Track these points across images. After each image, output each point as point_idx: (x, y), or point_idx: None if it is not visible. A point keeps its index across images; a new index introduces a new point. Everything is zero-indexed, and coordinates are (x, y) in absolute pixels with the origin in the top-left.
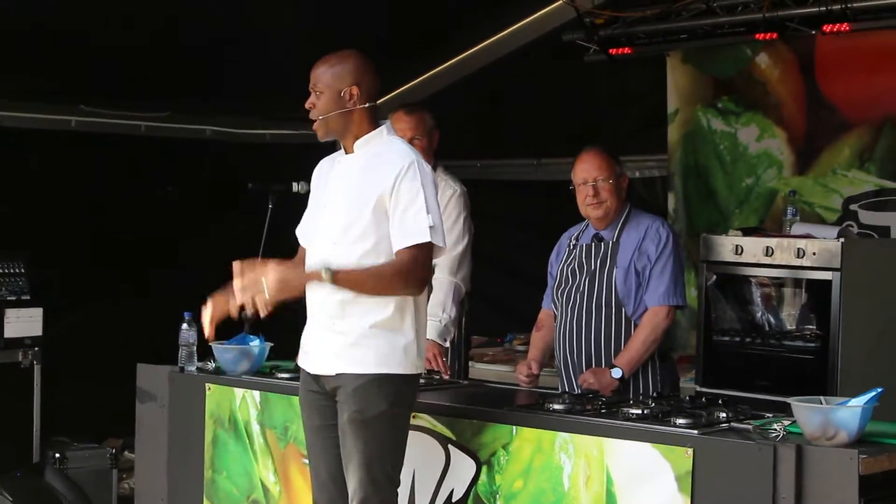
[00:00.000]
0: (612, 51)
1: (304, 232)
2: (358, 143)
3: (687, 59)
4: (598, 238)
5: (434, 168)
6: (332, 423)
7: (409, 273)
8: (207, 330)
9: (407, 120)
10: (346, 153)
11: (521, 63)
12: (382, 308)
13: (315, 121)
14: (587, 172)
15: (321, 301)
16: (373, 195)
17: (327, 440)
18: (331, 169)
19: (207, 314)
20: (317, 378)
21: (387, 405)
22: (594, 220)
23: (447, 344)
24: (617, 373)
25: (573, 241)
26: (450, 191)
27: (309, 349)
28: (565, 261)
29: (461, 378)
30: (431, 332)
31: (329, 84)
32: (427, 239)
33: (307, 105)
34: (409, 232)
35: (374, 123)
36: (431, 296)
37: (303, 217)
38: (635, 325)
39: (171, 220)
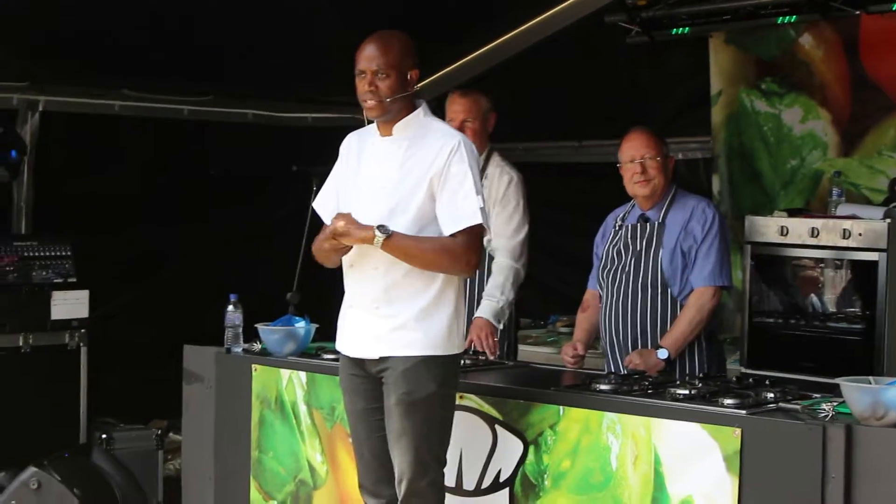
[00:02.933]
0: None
1: (333, 209)
2: (398, 125)
3: (730, 41)
4: (644, 218)
5: (489, 153)
6: (375, 406)
7: (462, 255)
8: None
9: (461, 102)
10: (383, 135)
11: (563, 45)
12: (428, 291)
13: (374, 102)
14: (635, 150)
15: (364, 285)
16: (422, 176)
17: (371, 423)
18: (361, 148)
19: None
20: (359, 362)
21: (435, 386)
22: (641, 198)
23: (500, 325)
24: (663, 353)
25: (619, 222)
26: (507, 177)
27: (350, 333)
28: (611, 241)
29: (510, 359)
30: (487, 312)
31: (395, 66)
32: (479, 221)
33: (366, 87)
34: (461, 215)
35: (413, 104)
36: (490, 278)
37: (323, 190)
38: (681, 306)
39: (217, 201)
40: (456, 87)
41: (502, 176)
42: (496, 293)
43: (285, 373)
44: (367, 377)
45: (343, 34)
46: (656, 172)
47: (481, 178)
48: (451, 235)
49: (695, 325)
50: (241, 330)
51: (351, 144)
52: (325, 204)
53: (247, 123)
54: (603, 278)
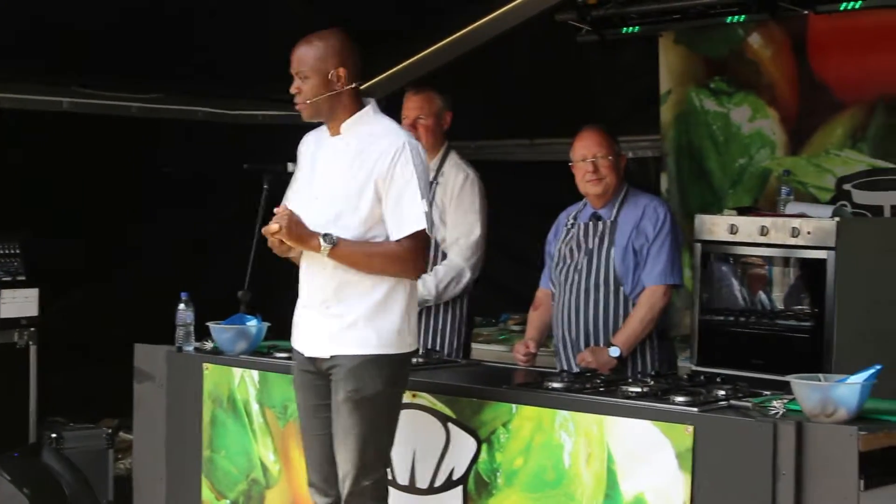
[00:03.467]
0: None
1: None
2: (345, 124)
3: (679, 40)
4: (596, 217)
5: (446, 152)
6: (326, 403)
7: (409, 261)
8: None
9: (413, 100)
10: (332, 135)
11: (513, 44)
12: (377, 291)
13: (301, 104)
14: (587, 149)
15: (314, 284)
16: (367, 178)
17: (322, 420)
18: (317, 147)
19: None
20: (311, 359)
21: (382, 385)
22: (593, 197)
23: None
24: (615, 351)
25: (571, 221)
26: (462, 175)
27: (303, 332)
28: (563, 239)
29: (463, 357)
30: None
31: (315, 67)
32: (423, 226)
33: (292, 90)
34: (405, 220)
35: (360, 103)
36: (436, 269)
37: (287, 193)
38: (633, 305)
39: (166, 200)
40: (410, 84)
41: (458, 174)
42: (430, 283)
43: (237, 371)
44: (318, 374)
45: (294, 31)
46: (608, 171)
47: (437, 177)
48: (397, 240)
49: (646, 323)
50: (192, 328)
51: (308, 143)
52: (289, 199)
53: (197, 121)
54: (555, 276)
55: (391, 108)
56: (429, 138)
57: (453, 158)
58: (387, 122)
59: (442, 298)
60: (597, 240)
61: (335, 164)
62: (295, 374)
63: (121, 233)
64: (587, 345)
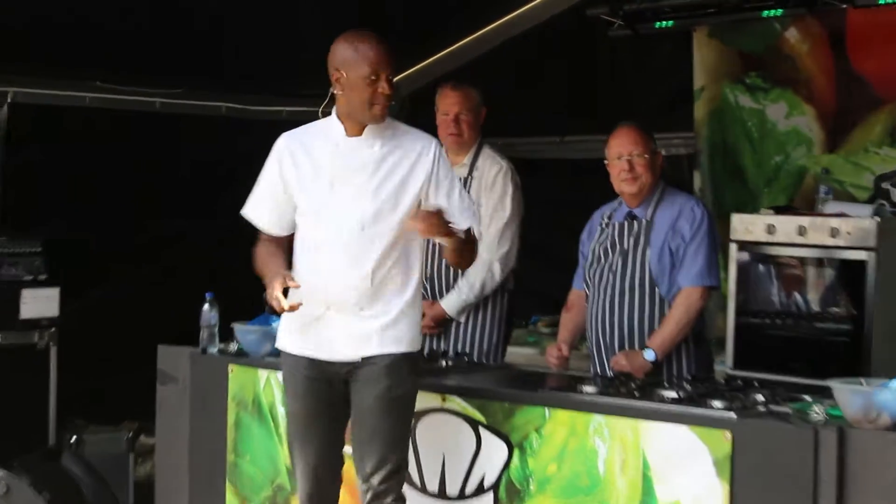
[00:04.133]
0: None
1: (270, 217)
2: (371, 125)
3: (714, 34)
4: (631, 216)
5: (480, 146)
6: (332, 409)
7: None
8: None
9: (453, 95)
10: (350, 135)
11: (543, 39)
12: (408, 288)
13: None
14: (622, 147)
15: (341, 286)
16: (406, 178)
17: (325, 426)
18: (314, 147)
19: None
20: (318, 364)
21: (411, 383)
22: (628, 196)
23: (461, 319)
24: (650, 355)
25: (606, 220)
26: (497, 166)
27: (323, 337)
28: (597, 239)
29: (497, 360)
30: (448, 301)
31: (392, 67)
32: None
33: (388, 89)
34: (470, 211)
35: None
36: (467, 272)
37: (256, 196)
38: (669, 307)
39: (189, 197)
40: (444, 80)
41: (493, 166)
42: (465, 287)
43: (263, 374)
44: (323, 380)
45: (319, 26)
46: (644, 170)
47: (471, 171)
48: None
49: (682, 325)
50: (216, 329)
51: (292, 146)
52: (261, 211)
53: (220, 117)
54: (589, 277)
55: (418, 104)
56: (470, 134)
57: (487, 151)
58: (404, 126)
59: (480, 296)
60: (632, 240)
61: (362, 164)
62: (294, 381)
63: (142, 230)
64: (622, 348)
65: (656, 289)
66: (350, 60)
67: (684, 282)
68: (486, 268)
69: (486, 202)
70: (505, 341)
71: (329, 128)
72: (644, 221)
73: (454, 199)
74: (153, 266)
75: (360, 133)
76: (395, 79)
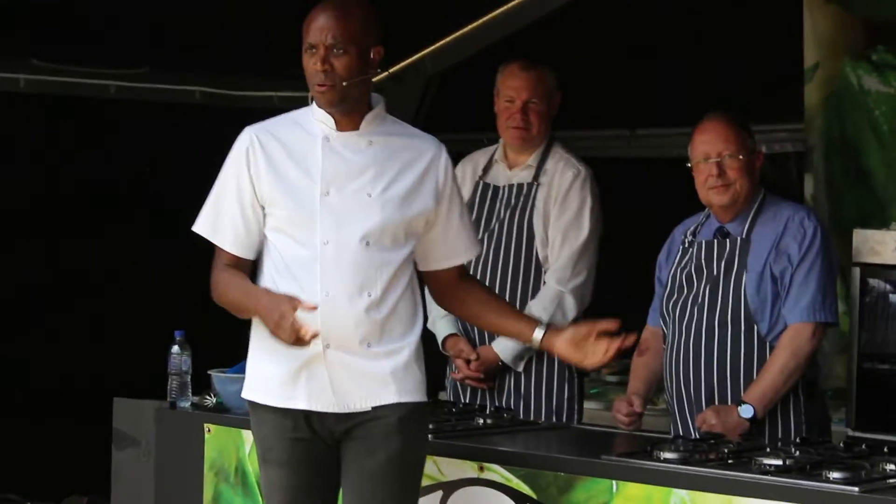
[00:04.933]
0: None
1: (241, 232)
2: (368, 118)
3: None
4: (722, 233)
5: (550, 143)
6: (327, 479)
7: None
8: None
9: (523, 78)
10: (340, 129)
11: (604, 5)
12: (417, 320)
13: (329, 86)
14: (710, 146)
15: (341, 317)
16: (417, 192)
17: (318, 500)
18: (295, 143)
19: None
20: (308, 419)
21: (424, 441)
22: (718, 208)
23: (519, 368)
24: (747, 411)
25: (689, 238)
26: (571, 172)
27: (320, 383)
28: (678, 263)
29: (575, 414)
30: (504, 347)
31: (357, 40)
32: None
33: (321, 66)
34: (472, 238)
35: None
36: (529, 304)
37: (215, 205)
38: (771, 349)
39: (150, 209)
40: (473, 58)
41: (566, 170)
42: None
43: (248, 434)
44: (317, 441)
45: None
46: (738, 174)
47: (538, 176)
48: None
49: (788, 373)
50: (189, 378)
51: (265, 141)
52: (223, 227)
53: (192, 105)
54: (668, 311)
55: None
56: (540, 127)
57: (559, 151)
58: (406, 125)
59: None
60: (724, 263)
61: (360, 165)
62: (276, 444)
63: (92, 251)
64: (710, 402)
65: (755, 326)
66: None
67: (791, 317)
68: (556, 302)
69: (559, 217)
70: (580, 395)
71: (308, 120)
72: (739, 240)
73: (454, 224)
74: (102, 299)
75: (355, 127)
76: (420, 54)
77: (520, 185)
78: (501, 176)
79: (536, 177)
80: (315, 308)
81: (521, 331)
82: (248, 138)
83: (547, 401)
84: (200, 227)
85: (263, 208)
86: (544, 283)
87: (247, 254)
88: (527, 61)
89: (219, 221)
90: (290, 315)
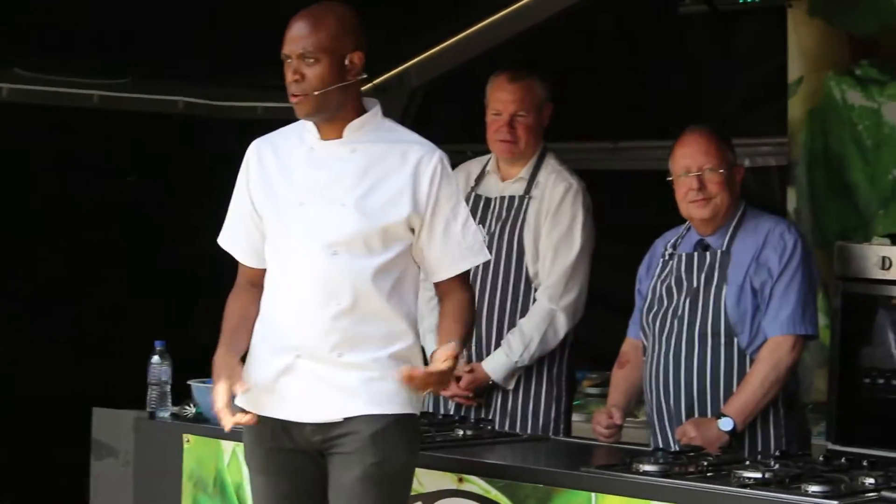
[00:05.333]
0: None
1: (249, 245)
2: (352, 125)
3: (814, 12)
4: (703, 246)
5: (542, 154)
6: (308, 489)
7: (473, 299)
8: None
9: (511, 90)
10: (325, 138)
11: (590, 17)
12: (404, 334)
13: (302, 96)
14: (691, 159)
15: (311, 324)
16: (398, 198)
17: None
18: (285, 154)
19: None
20: (288, 429)
21: (407, 455)
22: (698, 221)
23: (509, 386)
24: (727, 424)
25: (669, 250)
26: (563, 185)
27: (289, 392)
28: (659, 275)
29: (562, 433)
30: (494, 365)
31: (329, 48)
32: (488, 256)
33: (292, 77)
34: (467, 251)
35: (362, 101)
36: (520, 323)
37: (231, 221)
38: (751, 362)
39: (131, 220)
40: (456, 70)
41: (557, 184)
42: (518, 346)
43: (227, 445)
44: (296, 451)
45: (305, 4)
46: (718, 188)
47: (530, 189)
48: (457, 279)
49: (769, 385)
50: (169, 388)
51: (262, 152)
52: (234, 237)
53: (177, 114)
54: (648, 324)
55: (432, 99)
56: (529, 140)
57: (551, 164)
58: (402, 130)
59: (535, 358)
60: (704, 276)
61: (339, 174)
62: (255, 453)
63: (73, 259)
64: (690, 414)
65: (735, 339)
66: None
67: (772, 329)
68: (548, 320)
69: (550, 232)
70: (567, 413)
71: (304, 129)
72: (719, 253)
73: (453, 233)
74: (83, 303)
75: (339, 135)
76: (396, 70)
77: (511, 198)
78: (493, 188)
79: (528, 190)
80: (248, 389)
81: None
82: (250, 151)
83: (534, 419)
84: (221, 239)
85: (262, 217)
86: (535, 300)
87: (254, 262)
88: (515, 72)
89: (232, 233)
90: (217, 398)
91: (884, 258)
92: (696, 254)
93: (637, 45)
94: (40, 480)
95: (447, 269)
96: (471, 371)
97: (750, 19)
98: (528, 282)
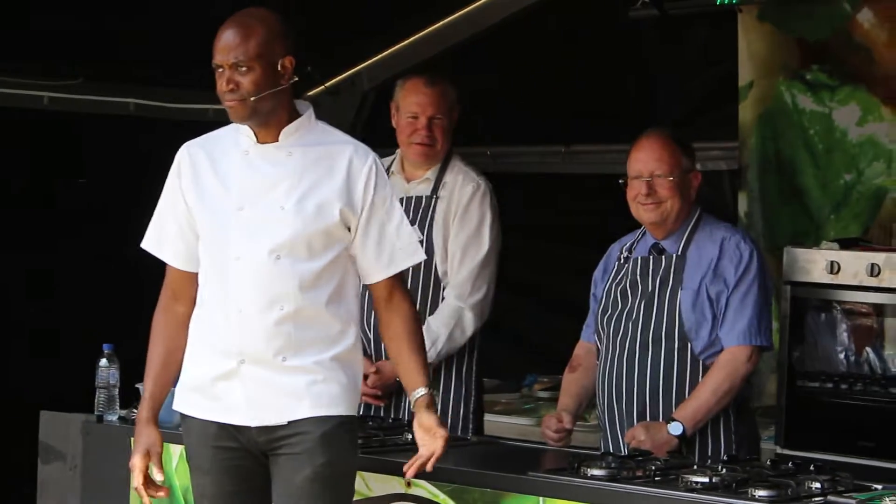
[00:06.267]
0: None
1: (183, 248)
2: (287, 129)
3: (765, 16)
4: (658, 250)
5: (449, 157)
6: (251, 488)
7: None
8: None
9: (427, 93)
10: (262, 141)
11: (542, 21)
12: (344, 336)
13: (236, 102)
14: (643, 164)
15: (252, 329)
16: (334, 200)
17: None
18: (220, 157)
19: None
20: (232, 431)
21: (353, 455)
22: (648, 225)
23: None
24: (676, 428)
25: (625, 254)
26: (471, 185)
27: (235, 395)
28: (614, 279)
29: (470, 433)
30: None
31: (261, 56)
32: (422, 257)
33: (225, 86)
34: (400, 252)
35: (294, 105)
36: (428, 320)
37: (159, 225)
38: (703, 367)
39: (85, 219)
40: (408, 72)
41: (465, 184)
42: (426, 344)
43: (176, 449)
44: (241, 450)
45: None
46: (669, 193)
47: (437, 190)
48: (394, 279)
49: (721, 394)
50: (117, 391)
51: (195, 156)
52: (163, 240)
53: (128, 116)
54: (602, 327)
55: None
56: (444, 142)
57: (458, 165)
58: (335, 132)
59: (442, 356)
60: (659, 280)
61: (275, 178)
62: (198, 453)
63: (19, 263)
64: (641, 418)
65: (689, 344)
66: None
67: (728, 340)
68: (455, 318)
69: (458, 233)
70: (478, 413)
71: (238, 134)
72: (674, 257)
73: (388, 233)
74: (33, 306)
75: (274, 139)
76: (349, 72)
77: (418, 199)
78: (398, 188)
79: (435, 190)
80: (161, 479)
81: (407, 382)
82: (181, 153)
83: (443, 418)
84: (146, 243)
85: (195, 221)
86: (443, 298)
87: (190, 266)
88: (429, 76)
89: (162, 236)
90: (134, 466)
91: (832, 262)
92: (651, 257)
93: (588, 48)
94: None
95: (382, 271)
96: (377, 371)
97: (700, 24)
98: (437, 281)
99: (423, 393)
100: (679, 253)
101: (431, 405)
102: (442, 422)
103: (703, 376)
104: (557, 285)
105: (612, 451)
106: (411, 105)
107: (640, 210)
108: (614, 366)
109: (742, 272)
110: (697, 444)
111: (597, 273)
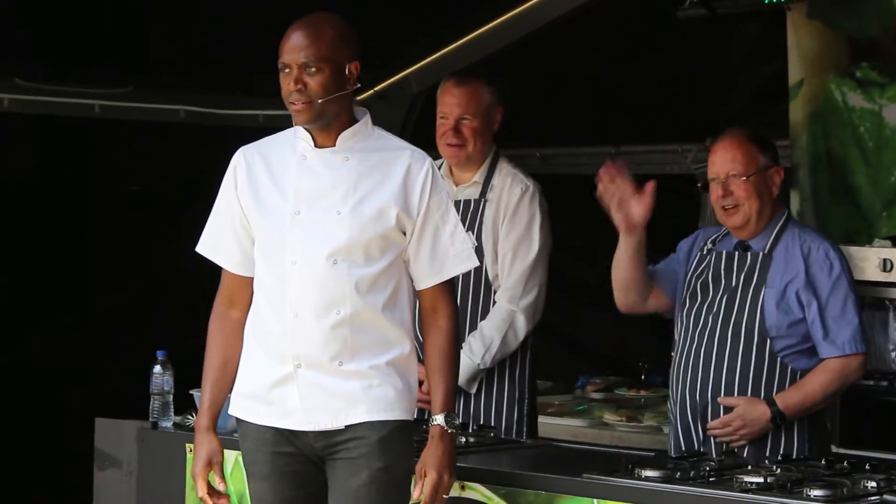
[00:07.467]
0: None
1: (238, 252)
2: (345, 134)
3: (814, 14)
4: (743, 247)
5: (495, 159)
6: (309, 493)
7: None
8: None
9: (456, 94)
10: (319, 145)
11: (594, 20)
12: (400, 341)
13: (303, 104)
14: (718, 166)
15: (308, 335)
16: (391, 204)
17: None
18: (275, 162)
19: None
20: (289, 436)
21: (408, 460)
22: (732, 230)
23: (472, 390)
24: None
25: (709, 246)
26: (520, 187)
27: (293, 400)
28: (695, 270)
29: (524, 435)
30: (461, 374)
31: (331, 58)
32: (475, 263)
33: (293, 86)
34: (457, 257)
35: (354, 111)
36: (481, 325)
37: (213, 229)
38: (782, 366)
39: (133, 229)
40: (451, 73)
41: (514, 186)
42: (480, 349)
43: (231, 455)
44: (298, 455)
45: (306, 7)
46: (745, 196)
47: (485, 193)
48: (442, 286)
49: (829, 395)
50: (171, 398)
51: (251, 160)
52: (219, 245)
53: (178, 123)
54: (681, 318)
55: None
56: (476, 144)
57: (505, 167)
58: (392, 137)
59: (496, 361)
60: (743, 276)
61: (333, 182)
62: (256, 458)
63: (74, 270)
64: (715, 414)
65: (768, 341)
66: None
67: (836, 349)
68: (508, 322)
69: (508, 235)
70: (533, 413)
71: (296, 138)
72: (761, 255)
73: (442, 239)
74: (86, 314)
75: (332, 143)
76: (397, 76)
77: (466, 202)
78: None
79: (483, 193)
80: (223, 487)
81: (431, 402)
82: (237, 157)
83: (496, 422)
84: (201, 247)
85: (252, 226)
86: (495, 301)
87: (246, 271)
88: (462, 76)
89: (217, 240)
90: (197, 480)
91: (885, 260)
92: (736, 253)
93: (637, 49)
94: (45, 491)
95: (433, 276)
96: None
97: (749, 23)
98: (488, 284)
99: (437, 422)
100: (766, 251)
101: (443, 436)
102: (443, 459)
103: (779, 374)
104: (609, 286)
105: (681, 442)
106: (442, 106)
107: (723, 216)
108: (691, 357)
109: (836, 282)
110: (770, 441)
111: (684, 243)
